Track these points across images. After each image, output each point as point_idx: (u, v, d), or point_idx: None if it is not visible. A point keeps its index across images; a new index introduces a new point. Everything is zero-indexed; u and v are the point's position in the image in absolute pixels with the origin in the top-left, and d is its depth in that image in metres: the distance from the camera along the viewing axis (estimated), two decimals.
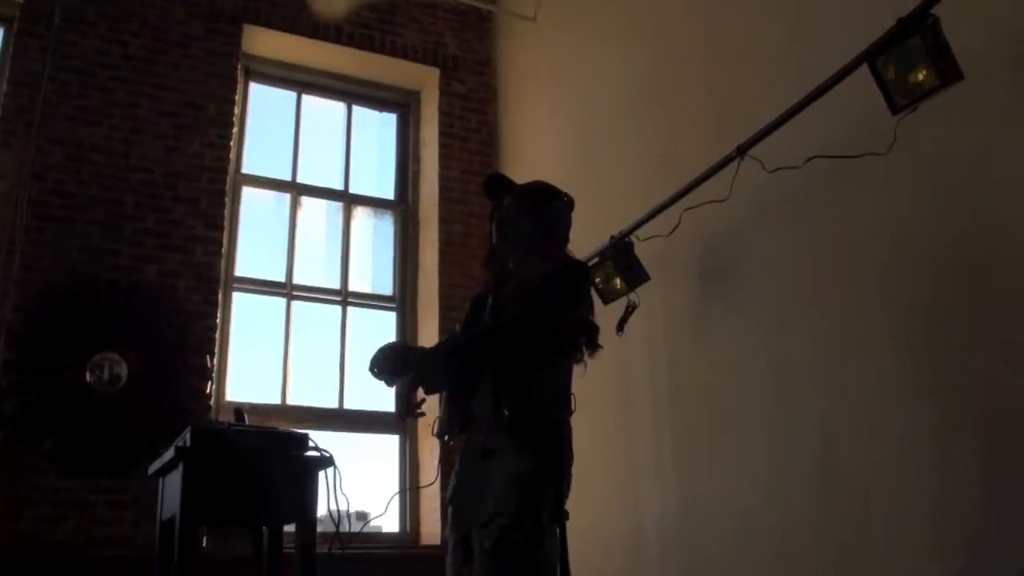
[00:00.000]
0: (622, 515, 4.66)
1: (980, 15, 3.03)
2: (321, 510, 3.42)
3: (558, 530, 2.94)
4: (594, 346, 3.24)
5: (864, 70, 3.12)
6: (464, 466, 3.14)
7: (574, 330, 3.16)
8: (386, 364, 3.16)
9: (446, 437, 3.24)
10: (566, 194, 3.37)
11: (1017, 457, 2.83)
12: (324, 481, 3.38)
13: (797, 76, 3.62)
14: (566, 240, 3.35)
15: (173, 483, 3.33)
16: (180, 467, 3.19)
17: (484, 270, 3.46)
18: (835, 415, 3.55)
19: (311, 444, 3.36)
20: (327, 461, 3.34)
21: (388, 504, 3.71)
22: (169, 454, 3.27)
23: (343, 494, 3.34)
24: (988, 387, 2.98)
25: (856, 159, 3.28)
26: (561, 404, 3.10)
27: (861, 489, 3.37)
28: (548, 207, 3.29)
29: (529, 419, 2.94)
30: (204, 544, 4.88)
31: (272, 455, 3.30)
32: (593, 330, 3.24)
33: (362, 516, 5.80)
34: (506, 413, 2.91)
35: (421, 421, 3.36)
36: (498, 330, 3.05)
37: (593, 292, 4.38)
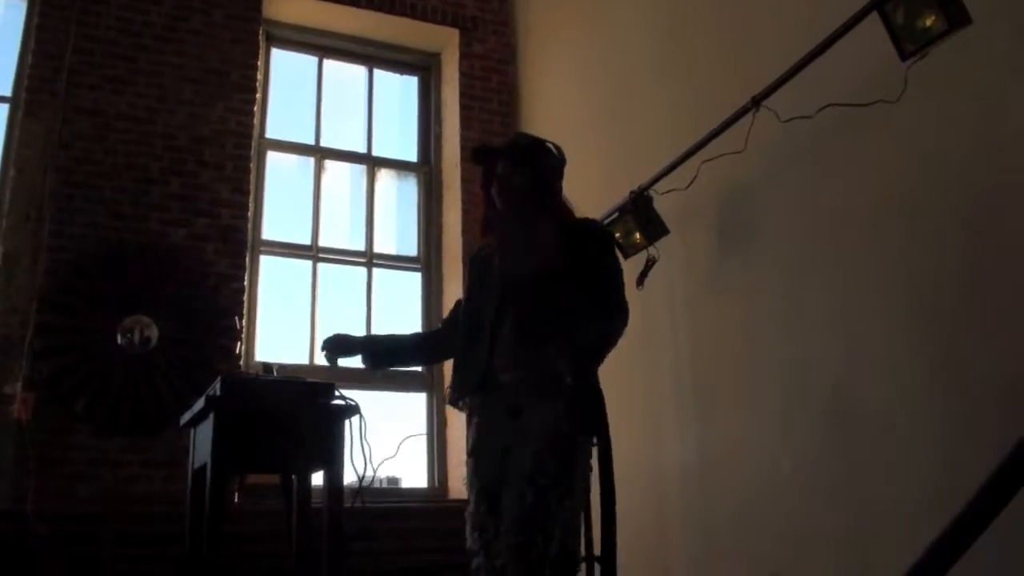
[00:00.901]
0: (645, 466, 4.71)
1: None
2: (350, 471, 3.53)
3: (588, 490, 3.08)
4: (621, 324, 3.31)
5: (874, 18, 3.15)
6: (487, 422, 3.19)
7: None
8: None
9: (460, 403, 3.32)
10: (555, 144, 3.39)
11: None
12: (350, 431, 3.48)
13: (809, 26, 3.64)
14: (560, 189, 3.39)
15: (204, 432, 3.43)
16: (211, 416, 3.29)
17: (483, 235, 3.50)
18: (851, 364, 3.59)
19: (337, 393, 3.45)
20: (353, 409, 3.43)
21: (399, 447, 3.79)
22: (200, 404, 3.37)
23: (368, 443, 3.44)
24: (1001, 330, 3.01)
25: (868, 107, 3.31)
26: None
27: (876, 435, 3.41)
28: (542, 161, 3.32)
29: (571, 381, 2.99)
30: (236, 499, 4.99)
31: (300, 403, 3.39)
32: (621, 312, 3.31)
33: (392, 480, 5.91)
34: (567, 378, 2.97)
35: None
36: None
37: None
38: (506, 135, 6.43)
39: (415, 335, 4.03)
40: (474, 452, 3.20)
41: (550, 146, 3.38)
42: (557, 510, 2.89)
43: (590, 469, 3.08)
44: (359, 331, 6.09)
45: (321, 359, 3.58)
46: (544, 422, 2.97)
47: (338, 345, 3.58)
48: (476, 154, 3.45)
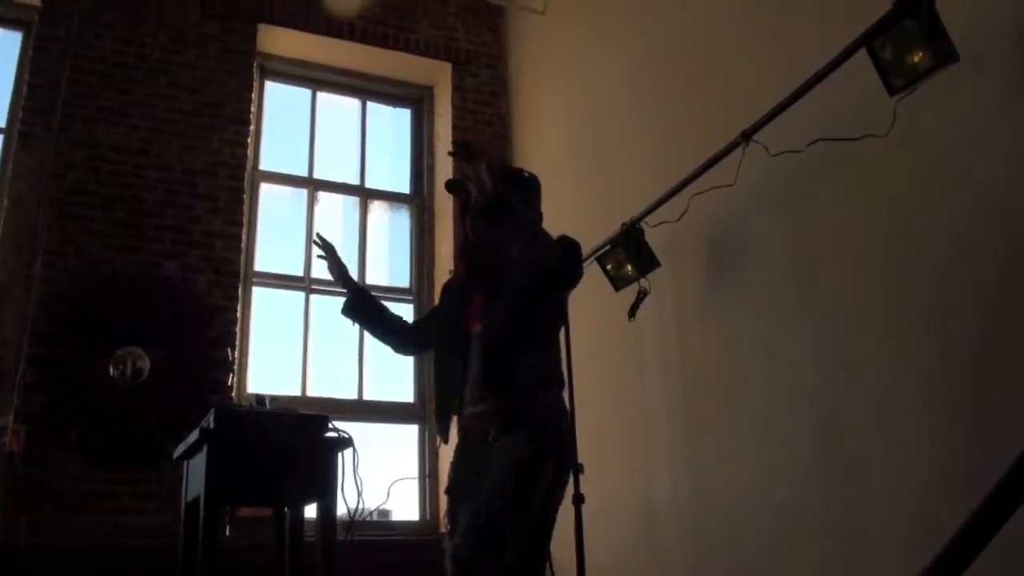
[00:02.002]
0: (635, 494, 4.73)
1: None
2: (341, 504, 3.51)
3: (550, 513, 3.03)
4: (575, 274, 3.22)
5: (863, 54, 3.19)
6: (463, 455, 3.20)
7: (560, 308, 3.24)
8: None
9: (446, 434, 3.33)
10: (527, 171, 3.42)
11: (1017, 434, 2.88)
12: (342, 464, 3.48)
13: (798, 62, 3.68)
14: (539, 215, 3.37)
15: (197, 465, 3.43)
16: (204, 448, 3.29)
17: (457, 263, 3.52)
18: (840, 395, 3.61)
19: (330, 426, 3.45)
20: (346, 442, 3.43)
21: (389, 490, 3.79)
22: (194, 436, 3.38)
23: (360, 476, 3.44)
24: (989, 367, 3.03)
25: (857, 142, 3.34)
26: (557, 387, 3.18)
27: (861, 466, 3.44)
28: (513, 188, 3.27)
29: (529, 405, 3.02)
30: (227, 532, 4.97)
31: (293, 436, 3.40)
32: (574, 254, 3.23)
33: (383, 514, 5.89)
34: (511, 403, 3.00)
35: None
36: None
37: (604, 278, 4.48)
38: (498, 168, 6.46)
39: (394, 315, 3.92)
40: (449, 491, 3.20)
41: (524, 174, 3.42)
42: (509, 530, 2.88)
43: (554, 492, 3.04)
44: (352, 365, 6.13)
45: (316, 391, 3.58)
46: (508, 449, 2.98)
47: (339, 267, 3.61)
48: (449, 185, 3.46)
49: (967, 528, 1.97)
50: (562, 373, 3.26)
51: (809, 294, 3.83)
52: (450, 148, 3.53)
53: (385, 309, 3.66)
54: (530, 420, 3.00)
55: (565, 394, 3.24)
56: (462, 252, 3.47)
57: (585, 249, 4.38)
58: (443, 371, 3.29)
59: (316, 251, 3.63)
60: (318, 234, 3.61)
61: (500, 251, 3.23)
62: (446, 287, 3.56)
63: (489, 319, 3.16)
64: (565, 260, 3.04)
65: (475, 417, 3.13)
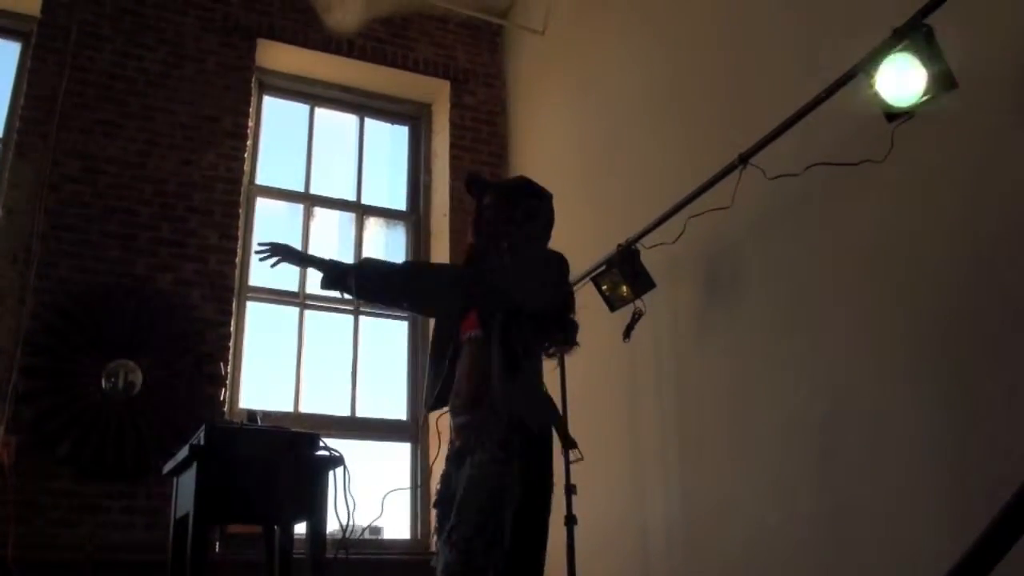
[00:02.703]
0: (629, 518, 4.71)
1: (974, 24, 3.10)
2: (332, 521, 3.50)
3: (528, 539, 2.89)
4: (572, 343, 3.24)
5: (862, 79, 3.19)
6: (448, 466, 3.15)
7: (553, 323, 3.16)
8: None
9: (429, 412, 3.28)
10: (545, 190, 3.35)
11: (1014, 462, 2.87)
12: (333, 483, 3.45)
13: (796, 86, 3.68)
14: (547, 235, 3.32)
15: (187, 481, 3.41)
16: (194, 465, 3.27)
17: (465, 266, 3.45)
18: (837, 419, 3.60)
19: (322, 444, 3.43)
20: (337, 461, 3.42)
21: (382, 506, 3.74)
22: (184, 452, 3.35)
23: (351, 495, 3.42)
24: (989, 391, 3.02)
25: (855, 166, 3.34)
26: (539, 400, 3.11)
27: (863, 493, 3.42)
28: (524, 203, 3.26)
29: (514, 421, 2.93)
30: (217, 548, 4.94)
31: (284, 454, 3.37)
32: (572, 327, 3.23)
33: (375, 531, 5.86)
34: (502, 417, 2.92)
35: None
36: (409, 266, 3.02)
37: (599, 299, 4.47)
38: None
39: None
40: (436, 504, 3.16)
41: (543, 191, 3.34)
42: (482, 558, 2.80)
43: (528, 517, 2.88)
44: (345, 381, 6.11)
45: (309, 407, 3.54)
46: (474, 465, 2.92)
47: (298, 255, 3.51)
48: (469, 182, 3.41)
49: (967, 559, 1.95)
50: (542, 389, 3.17)
51: (805, 317, 3.83)
52: (464, 181, 3.47)
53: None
54: (498, 438, 2.91)
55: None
56: (466, 256, 3.41)
57: (581, 269, 4.42)
58: (434, 369, 3.25)
59: (264, 259, 3.41)
60: (259, 244, 3.41)
61: (494, 258, 3.21)
62: (459, 273, 3.47)
63: (477, 335, 3.13)
64: (565, 328, 3.05)
65: (457, 428, 3.11)
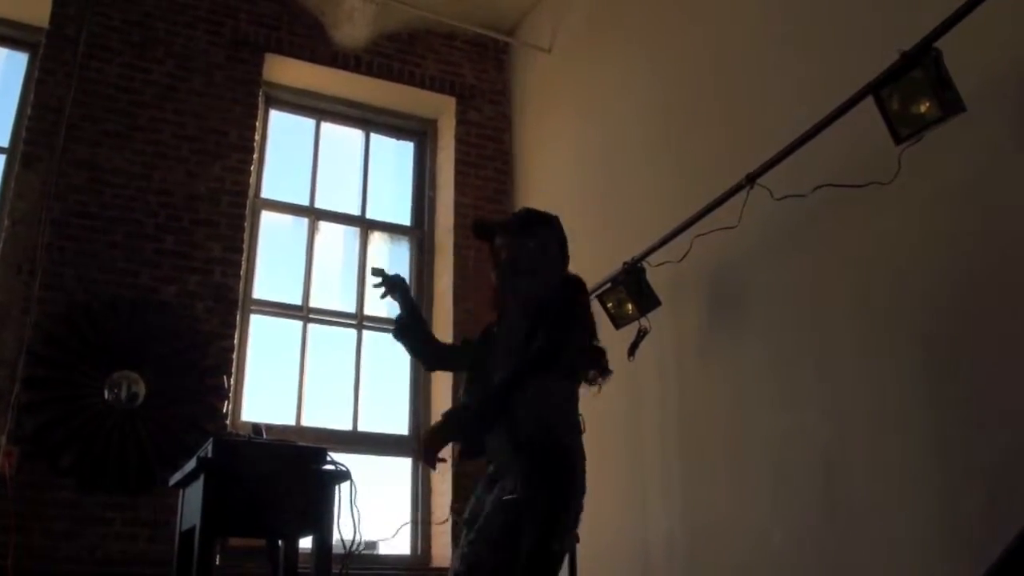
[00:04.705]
0: (631, 536, 4.71)
1: (982, 49, 3.12)
2: (336, 533, 3.50)
3: (546, 563, 2.91)
4: (604, 370, 3.26)
5: (869, 102, 3.21)
6: (477, 492, 3.18)
7: (578, 354, 3.16)
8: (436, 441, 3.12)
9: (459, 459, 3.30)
10: (549, 214, 3.36)
11: (1019, 483, 2.89)
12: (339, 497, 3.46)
13: (805, 107, 3.71)
14: (562, 259, 3.33)
15: (194, 494, 3.41)
16: (201, 478, 3.27)
17: (493, 310, 3.47)
18: (840, 438, 3.61)
19: (328, 459, 3.44)
20: (344, 475, 3.42)
21: (398, 531, 3.74)
22: (191, 465, 3.35)
23: (357, 509, 3.42)
24: (991, 413, 3.04)
25: (861, 188, 3.36)
26: (567, 428, 3.11)
27: (865, 512, 3.42)
28: (530, 233, 3.27)
29: (533, 445, 2.96)
30: (217, 562, 4.94)
31: (291, 468, 3.38)
32: (599, 354, 3.25)
33: (370, 545, 5.85)
34: (514, 441, 2.96)
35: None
36: (502, 386, 3.02)
37: (604, 316, 4.47)
38: (499, 201, 6.53)
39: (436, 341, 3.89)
40: (465, 523, 3.17)
41: (549, 217, 3.35)
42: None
43: (550, 539, 2.91)
44: (348, 395, 6.11)
45: (311, 421, 3.54)
46: (503, 488, 2.95)
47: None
48: (476, 228, 3.46)
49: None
50: (574, 417, 3.18)
51: (810, 337, 3.85)
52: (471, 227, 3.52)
53: (427, 335, 3.66)
54: (525, 461, 2.94)
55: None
56: (492, 302, 3.45)
57: (587, 284, 4.42)
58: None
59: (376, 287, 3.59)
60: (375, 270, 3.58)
61: (515, 293, 3.24)
62: (486, 328, 3.49)
63: (495, 369, 3.14)
64: (545, 354, 3.03)
65: (490, 453, 3.12)
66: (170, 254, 5.57)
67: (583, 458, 3.09)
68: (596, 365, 3.26)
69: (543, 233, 3.30)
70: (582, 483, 3.07)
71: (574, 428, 3.17)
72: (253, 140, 6.09)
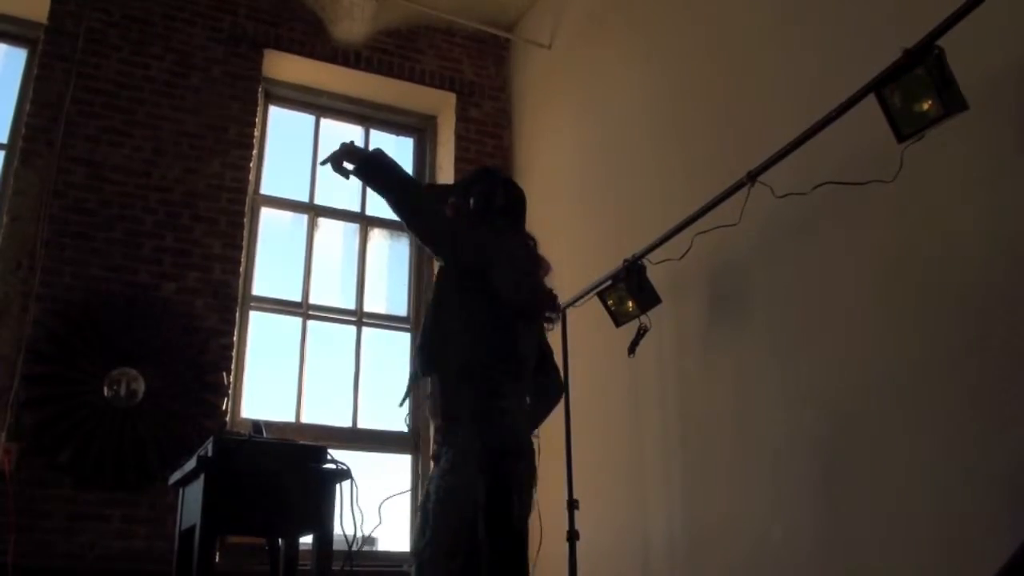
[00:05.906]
0: (631, 532, 4.71)
1: (984, 47, 3.11)
2: (337, 529, 3.49)
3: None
4: (549, 314, 3.31)
5: (872, 99, 3.19)
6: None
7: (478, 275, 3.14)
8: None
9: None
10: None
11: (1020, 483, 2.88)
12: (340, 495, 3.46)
13: (806, 105, 3.69)
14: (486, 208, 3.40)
15: (194, 493, 3.40)
16: (201, 477, 3.26)
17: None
18: (840, 437, 3.60)
19: (329, 457, 3.43)
20: (344, 474, 3.41)
21: (380, 508, 3.69)
22: (191, 464, 3.35)
23: (359, 508, 3.42)
24: (993, 413, 3.03)
25: (863, 186, 3.35)
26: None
27: (868, 511, 3.42)
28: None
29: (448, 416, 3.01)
30: (217, 560, 4.93)
31: (291, 467, 3.37)
32: (551, 298, 3.31)
33: (369, 541, 5.84)
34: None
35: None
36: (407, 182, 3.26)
37: (605, 313, 4.46)
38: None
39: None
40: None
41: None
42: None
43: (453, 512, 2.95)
44: (347, 392, 6.10)
45: (311, 418, 3.52)
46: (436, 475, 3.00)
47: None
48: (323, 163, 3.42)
49: None
50: (487, 403, 3.04)
51: (810, 335, 3.84)
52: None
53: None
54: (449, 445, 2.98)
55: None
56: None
57: (586, 283, 4.43)
58: None
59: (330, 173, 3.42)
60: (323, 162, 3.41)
61: None
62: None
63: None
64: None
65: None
66: (169, 251, 5.57)
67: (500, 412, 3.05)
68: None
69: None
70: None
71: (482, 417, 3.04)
72: (252, 136, 6.09)
